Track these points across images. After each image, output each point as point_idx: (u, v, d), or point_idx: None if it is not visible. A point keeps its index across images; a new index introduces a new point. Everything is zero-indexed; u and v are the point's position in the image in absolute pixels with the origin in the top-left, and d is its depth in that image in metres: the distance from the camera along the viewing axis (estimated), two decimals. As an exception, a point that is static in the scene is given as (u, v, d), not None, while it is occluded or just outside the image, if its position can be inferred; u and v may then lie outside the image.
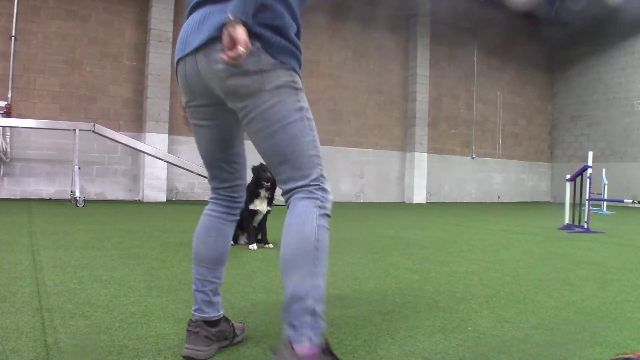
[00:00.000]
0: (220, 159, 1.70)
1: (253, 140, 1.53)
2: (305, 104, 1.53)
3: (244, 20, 1.33)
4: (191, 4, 1.57)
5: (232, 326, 1.74)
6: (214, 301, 1.67)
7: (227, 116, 1.60)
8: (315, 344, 1.33)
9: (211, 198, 1.79)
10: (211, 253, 1.68)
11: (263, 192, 4.14)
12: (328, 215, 1.47)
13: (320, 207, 1.44)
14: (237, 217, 1.79)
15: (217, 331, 1.66)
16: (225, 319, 1.72)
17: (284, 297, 1.40)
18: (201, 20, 1.50)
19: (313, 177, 1.47)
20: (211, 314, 1.66)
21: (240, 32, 1.31)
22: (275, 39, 1.48)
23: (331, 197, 1.51)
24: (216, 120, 1.62)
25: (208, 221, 1.73)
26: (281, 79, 1.47)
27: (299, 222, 1.41)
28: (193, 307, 1.68)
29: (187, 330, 1.64)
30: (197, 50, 1.49)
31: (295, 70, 1.56)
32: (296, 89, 1.52)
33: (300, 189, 1.46)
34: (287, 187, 1.49)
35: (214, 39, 1.43)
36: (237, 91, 1.45)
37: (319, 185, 1.47)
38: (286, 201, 1.50)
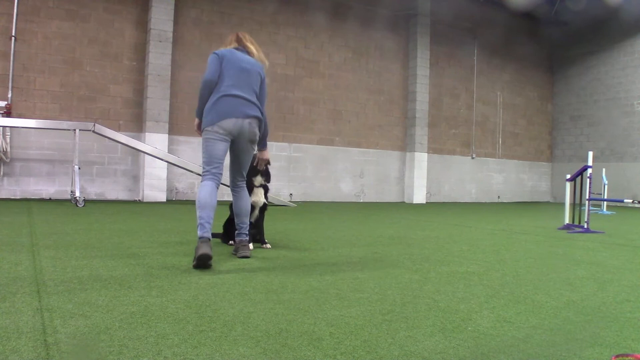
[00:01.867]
0: (222, 159, 3.56)
1: (240, 158, 3.70)
2: None
3: (266, 148, 3.98)
4: (229, 93, 3.52)
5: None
6: (211, 229, 3.35)
7: (229, 143, 3.59)
8: (245, 240, 3.71)
9: (209, 177, 3.51)
10: (213, 204, 3.41)
11: (258, 180, 4.11)
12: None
13: (246, 190, 3.83)
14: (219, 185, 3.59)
15: (211, 242, 3.30)
16: None
17: (240, 225, 3.72)
18: (246, 105, 3.55)
19: (245, 179, 3.82)
20: (210, 236, 3.30)
21: (267, 154, 4.04)
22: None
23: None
24: (228, 143, 3.56)
25: (211, 188, 3.45)
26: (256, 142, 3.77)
27: (248, 198, 3.82)
28: (203, 232, 3.27)
29: (202, 243, 3.17)
30: (246, 118, 3.54)
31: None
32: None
33: (244, 182, 3.80)
34: (242, 180, 3.78)
35: (253, 118, 3.58)
36: (254, 140, 3.67)
37: (245, 181, 3.83)
38: (236, 185, 3.78)
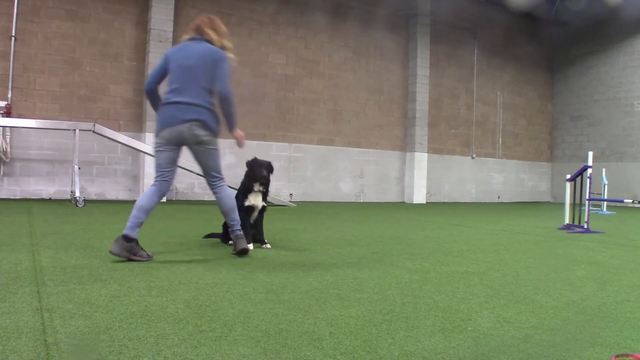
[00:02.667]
0: (167, 167, 3.55)
1: (199, 161, 3.60)
2: (218, 146, 3.62)
3: (235, 128, 3.66)
4: (169, 100, 3.49)
5: (141, 249, 3.37)
6: (135, 229, 3.34)
7: (176, 151, 3.56)
8: (240, 234, 3.70)
9: (153, 183, 3.54)
10: (148, 206, 3.43)
11: (257, 186, 4.11)
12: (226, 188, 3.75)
13: (225, 185, 3.71)
14: (165, 192, 3.60)
15: (129, 245, 3.29)
16: (137, 242, 3.35)
17: (231, 222, 3.71)
18: (183, 110, 3.44)
19: (221, 177, 3.67)
20: (130, 234, 3.30)
21: (239, 132, 3.69)
22: (217, 128, 3.57)
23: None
24: (172, 152, 3.53)
25: (151, 192, 3.48)
26: (214, 141, 3.57)
27: (229, 195, 3.70)
28: (125, 229, 3.31)
29: (116, 239, 3.30)
30: (184, 123, 3.43)
31: (217, 136, 3.59)
32: (216, 143, 3.59)
33: (220, 181, 3.67)
34: (215, 179, 3.65)
35: (192, 122, 3.43)
36: (201, 141, 3.50)
37: (222, 179, 3.69)
38: (212, 185, 3.68)
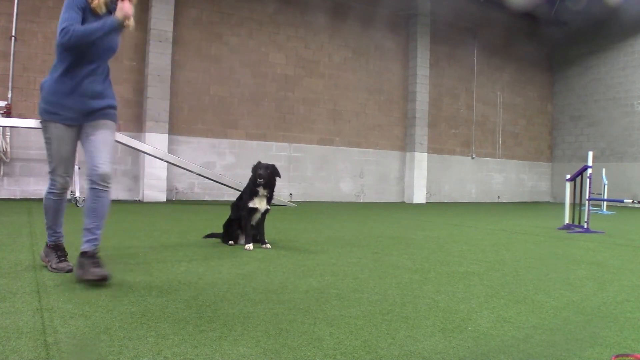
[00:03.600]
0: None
1: None
2: (47, 134, 3.10)
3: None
4: None
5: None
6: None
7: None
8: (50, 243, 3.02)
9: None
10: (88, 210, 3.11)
11: (261, 190, 4.14)
12: (51, 192, 3.17)
13: (48, 188, 3.12)
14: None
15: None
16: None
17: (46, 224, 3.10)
18: None
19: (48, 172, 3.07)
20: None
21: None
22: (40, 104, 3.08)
23: (56, 183, 3.20)
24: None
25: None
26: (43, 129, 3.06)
27: (45, 199, 3.11)
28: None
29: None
30: None
31: (44, 120, 3.08)
32: (44, 131, 3.08)
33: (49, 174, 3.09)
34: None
35: None
36: None
37: (50, 177, 3.16)
38: None
